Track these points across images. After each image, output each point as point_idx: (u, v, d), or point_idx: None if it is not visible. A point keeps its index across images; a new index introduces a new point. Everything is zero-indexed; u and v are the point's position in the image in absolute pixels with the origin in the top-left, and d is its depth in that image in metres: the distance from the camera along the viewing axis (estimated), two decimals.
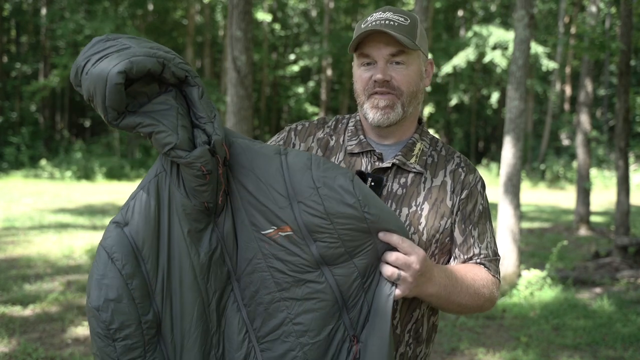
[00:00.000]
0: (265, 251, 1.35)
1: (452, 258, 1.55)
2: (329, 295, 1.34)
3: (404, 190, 1.52)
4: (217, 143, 1.27)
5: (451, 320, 5.34)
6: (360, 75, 1.53)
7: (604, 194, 19.10)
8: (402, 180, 1.53)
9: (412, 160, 1.54)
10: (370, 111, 1.52)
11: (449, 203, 1.53)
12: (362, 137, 1.57)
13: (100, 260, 1.31)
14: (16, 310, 5.07)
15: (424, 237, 1.49)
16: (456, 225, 1.53)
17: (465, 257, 1.53)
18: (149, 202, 1.32)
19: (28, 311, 5.09)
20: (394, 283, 1.32)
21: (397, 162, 1.53)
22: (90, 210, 11.64)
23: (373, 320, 1.33)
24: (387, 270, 1.31)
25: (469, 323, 5.27)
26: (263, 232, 1.34)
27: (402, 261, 1.30)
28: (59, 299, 5.42)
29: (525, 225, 11.41)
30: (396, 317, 1.50)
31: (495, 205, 7.36)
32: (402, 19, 1.49)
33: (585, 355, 4.59)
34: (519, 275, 6.45)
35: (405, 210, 1.49)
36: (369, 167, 1.54)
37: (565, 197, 18.19)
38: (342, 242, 1.31)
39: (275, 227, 1.33)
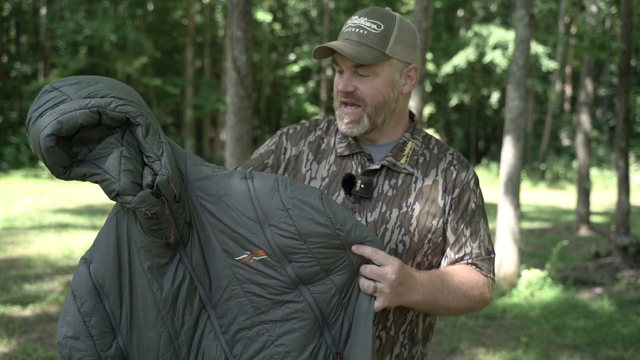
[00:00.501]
0: (240, 277, 1.35)
1: (443, 257, 1.54)
2: (309, 314, 1.34)
3: (395, 191, 1.51)
4: (160, 184, 1.25)
5: (451, 320, 5.34)
6: (335, 82, 1.54)
7: (604, 194, 19.10)
8: (393, 181, 1.52)
9: (403, 161, 1.53)
10: (339, 121, 1.54)
11: (440, 202, 1.51)
12: (351, 139, 1.56)
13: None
14: (16, 310, 5.07)
15: (416, 238, 1.48)
16: (448, 225, 1.52)
17: (456, 256, 1.52)
18: (108, 239, 1.34)
19: (28, 311, 5.09)
20: (372, 295, 1.32)
21: (387, 163, 1.52)
22: (90, 210, 11.64)
23: (354, 335, 1.33)
24: (364, 284, 1.32)
25: (469, 323, 5.27)
26: (237, 258, 1.35)
27: (376, 273, 1.31)
28: (59, 299, 5.41)
29: (526, 225, 11.41)
30: (390, 318, 1.50)
31: (495, 205, 7.36)
32: (375, 27, 1.46)
33: (586, 355, 4.59)
34: (519, 276, 6.45)
35: (395, 212, 1.48)
36: (359, 169, 1.53)
37: (565, 197, 18.19)
38: (317, 260, 1.32)
39: (249, 252, 1.34)
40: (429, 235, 1.50)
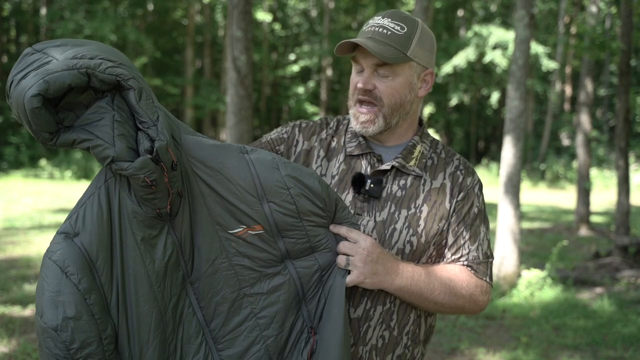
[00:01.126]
0: (231, 249, 1.36)
1: (441, 258, 1.56)
2: (292, 287, 1.38)
3: (404, 192, 1.52)
4: (160, 150, 1.18)
5: (451, 320, 5.34)
6: (352, 79, 1.55)
7: (604, 194, 19.10)
8: (402, 182, 1.53)
9: (412, 163, 1.55)
10: (353, 120, 1.55)
11: (447, 205, 1.54)
12: (361, 139, 1.58)
13: (51, 275, 1.22)
14: (16, 310, 5.07)
15: (423, 239, 1.50)
16: (449, 227, 1.54)
17: (453, 257, 1.54)
18: (100, 209, 1.25)
19: (28, 311, 5.09)
20: (347, 270, 1.39)
21: (397, 164, 1.54)
22: None
23: (328, 309, 1.38)
24: (339, 259, 1.39)
25: (469, 323, 5.27)
26: (230, 232, 1.35)
27: (348, 247, 1.38)
28: None
29: (526, 225, 11.41)
30: (393, 318, 1.51)
31: (495, 205, 7.36)
32: (398, 28, 1.48)
33: (586, 355, 4.59)
34: (519, 276, 6.45)
35: (404, 212, 1.50)
36: (368, 169, 1.54)
37: (565, 197, 18.18)
38: (308, 237, 1.37)
39: (245, 226, 1.35)
40: (435, 237, 1.52)
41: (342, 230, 1.39)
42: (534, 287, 6.24)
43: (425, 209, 1.51)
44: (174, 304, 1.34)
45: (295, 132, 1.63)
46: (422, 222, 1.50)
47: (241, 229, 1.35)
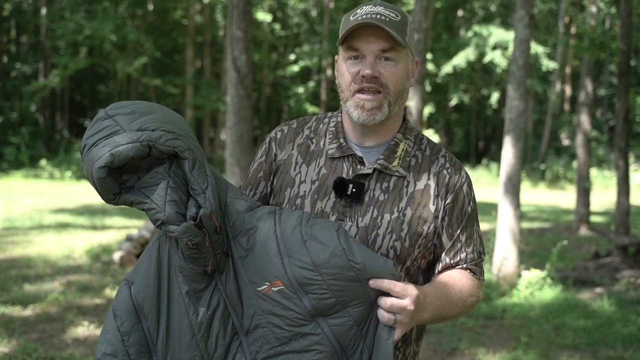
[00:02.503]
0: (263, 308, 1.38)
1: (438, 262, 1.54)
2: (327, 347, 1.36)
3: (386, 195, 1.48)
4: (204, 217, 1.31)
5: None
6: (347, 69, 1.47)
7: (604, 194, 19.10)
8: (384, 184, 1.49)
9: (395, 163, 1.50)
10: (355, 110, 1.47)
11: (432, 207, 1.49)
12: (342, 140, 1.53)
13: (108, 317, 1.42)
14: (16, 310, 5.07)
15: (407, 244, 1.47)
16: (444, 230, 1.51)
17: (452, 262, 1.53)
18: (150, 263, 1.41)
19: (28, 311, 5.09)
20: (392, 327, 1.33)
21: (379, 167, 1.49)
22: (90, 210, 11.64)
23: None
24: (384, 317, 1.32)
25: (469, 323, 5.27)
26: (259, 289, 1.38)
27: (397, 307, 1.31)
28: (59, 299, 5.41)
29: (526, 225, 11.41)
30: None
31: (495, 205, 7.36)
32: (394, 15, 1.44)
33: (586, 355, 4.59)
34: (519, 275, 6.45)
35: (387, 217, 1.47)
36: (350, 172, 1.50)
37: (565, 197, 18.19)
38: (332, 292, 1.34)
39: (269, 283, 1.37)
40: (420, 241, 1.49)
41: (385, 284, 1.31)
42: (534, 287, 6.24)
43: (409, 212, 1.47)
44: (221, 353, 1.40)
45: (272, 146, 1.60)
46: (405, 226, 1.47)
47: (265, 286, 1.38)
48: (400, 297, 1.31)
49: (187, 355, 1.39)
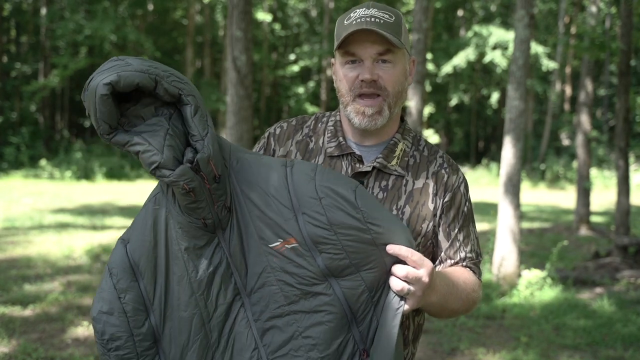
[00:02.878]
0: (273, 264, 1.34)
1: (437, 262, 1.54)
2: (337, 308, 1.33)
3: (385, 193, 1.49)
4: (201, 161, 1.27)
5: (451, 320, 5.34)
6: (346, 74, 1.47)
7: (604, 194, 19.10)
8: (383, 183, 1.49)
9: (394, 162, 1.51)
10: (356, 116, 1.47)
11: (430, 206, 1.50)
12: (341, 139, 1.54)
13: (104, 275, 1.40)
14: (16, 310, 5.07)
15: None
16: (441, 229, 1.51)
17: (452, 261, 1.53)
18: (145, 220, 1.38)
19: (28, 311, 5.09)
20: (403, 297, 1.29)
21: (378, 165, 1.49)
22: (90, 210, 11.64)
23: (380, 334, 1.32)
24: (397, 285, 1.28)
25: (469, 323, 5.27)
26: (270, 245, 1.34)
27: (412, 276, 1.27)
28: (59, 299, 5.42)
29: (526, 225, 11.41)
30: None
31: (495, 205, 7.36)
32: (387, 16, 1.44)
33: (586, 355, 4.59)
34: (519, 275, 6.45)
35: None
36: (349, 170, 1.50)
37: (565, 197, 18.19)
38: (346, 253, 1.31)
39: (282, 240, 1.33)
40: (419, 239, 1.49)
41: (403, 251, 1.27)
42: (534, 287, 6.24)
43: (407, 210, 1.48)
44: (221, 313, 1.37)
45: (270, 141, 1.60)
46: (404, 224, 1.46)
47: (278, 243, 1.34)
48: (417, 266, 1.28)
49: (186, 314, 1.36)
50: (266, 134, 1.63)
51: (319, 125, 1.60)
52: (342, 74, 1.48)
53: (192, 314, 1.36)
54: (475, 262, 1.56)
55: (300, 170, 1.36)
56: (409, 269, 1.27)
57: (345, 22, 1.46)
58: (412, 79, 1.54)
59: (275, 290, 1.35)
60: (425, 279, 1.28)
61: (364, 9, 1.45)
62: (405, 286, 1.28)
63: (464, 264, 1.54)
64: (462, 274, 1.50)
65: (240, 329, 1.38)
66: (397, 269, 1.28)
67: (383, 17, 1.43)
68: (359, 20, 1.42)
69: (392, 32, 1.42)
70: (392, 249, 1.28)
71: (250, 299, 1.38)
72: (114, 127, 1.27)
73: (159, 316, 1.37)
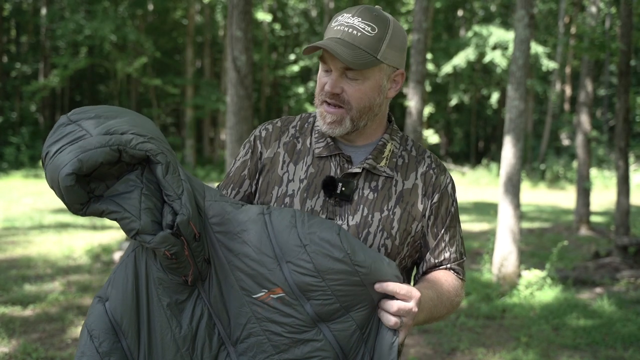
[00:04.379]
0: (258, 315, 1.33)
1: (422, 262, 1.56)
2: (330, 352, 1.32)
3: (376, 194, 1.49)
4: (181, 224, 1.24)
5: (451, 320, 5.34)
6: (319, 79, 1.49)
7: (604, 194, 19.10)
8: (373, 184, 1.50)
9: (383, 163, 1.51)
10: (320, 120, 1.49)
11: (420, 207, 1.52)
12: (329, 139, 1.53)
13: (82, 337, 1.32)
14: (16, 310, 5.07)
15: (397, 242, 1.49)
16: (429, 230, 1.53)
17: (436, 261, 1.55)
18: (126, 277, 1.32)
19: (28, 311, 5.09)
20: (396, 330, 1.32)
21: (368, 166, 1.50)
22: None
23: None
24: (390, 320, 1.31)
25: (469, 323, 5.27)
26: (254, 296, 1.32)
27: (403, 310, 1.30)
28: (59, 299, 5.42)
29: (526, 225, 11.41)
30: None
31: (495, 205, 7.35)
32: (369, 29, 1.40)
33: (585, 355, 4.59)
34: (519, 276, 6.45)
35: (377, 215, 1.48)
36: (338, 171, 1.50)
37: (565, 197, 18.19)
38: (336, 297, 1.30)
39: (266, 290, 1.31)
40: (409, 239, 1.51)
41: (390, 288, 1.30)
42: (533, 287, 6.24)
43: (398, 210, 1.49)
44: None
45: (257, 144, 1.59)
46: (395, 224, 1.48)
47: (263, 293, 1.32)
48: (406, 299, 1.31)
49: None
50: (251, 137, 1.61)
51: (305, 125, 1.60)
52: (318, 78, 1.51)
53: None
54: (459, 263, 1.58)
55: (279, 217, 1.34)
56: (400, 304, 1.30)
57: (332, 24, 1.46)
58: (395, 92, 1.53)
59: (262, 340, 1.33)
60: (415, 309, 1.31)
61: (350, 15, 1.44)
62: (398, 320, 1.31)
63: (448, 265, 1.55)
64: (445, 281, 1.51)
65: None
66: (388, 305, 1.31)
67: (363, 29, 1.41)
68: (336, 28, 1.43)
69: (366, 48, 1.40)
70: (380, 287, 1.31)
71: (235, 348, 1.36)
72: (85, 201, 1.23)
73: None
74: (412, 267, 1.60)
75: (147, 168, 1.27)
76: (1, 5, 22.83)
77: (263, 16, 20.77)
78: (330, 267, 1.29)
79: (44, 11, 23.14)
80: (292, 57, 26.29)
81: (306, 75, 28.83)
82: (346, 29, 1.42)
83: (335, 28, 1.43)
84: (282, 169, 1.54)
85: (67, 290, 5.77)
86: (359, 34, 1.40)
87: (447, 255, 1.55)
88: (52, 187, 1.20)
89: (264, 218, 1.34)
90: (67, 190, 1.17)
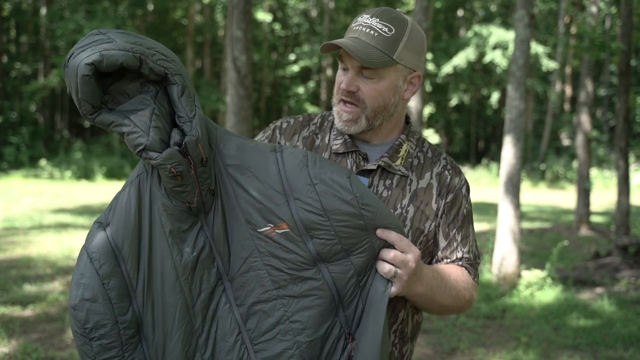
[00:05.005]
0: (261, 249, 1.34)
1: (435, 261, 1.56)
2: (326, 293, 1.34)
3: (390, 192, 1.51)
4: (189, 144, 1.24)
5: (451, 320, 5.34)
6: (337, 77, 1.52)
7: (604, 194, 19.10)
8: (388, 182, 1.52)
9: (398, 162, 1.53)
10: (336, 117, 1.53)
11: (434, 206, 1.53)
12: (347, 136, 1.56)
13: (80, 260, 1.31)
14: (16, 311, 5.07)
15: (409, 240, 1.48)
16: (440, 229, 1.54)
17: (448, 260, 1.55)
18: (129, 202, 1.32)
19: (28, 311, 5.09)
20: (389, 280, 1.33)
21: (383, 164, 1.52)
22: (90, 210, 11.63)
23: (366, 317, 1.33)
24: (384, 268, 1.32)
25: (469, 323, 5.27)
26: (259, 230, 1.33)
27: (399, 259, 1.32)
28: (59, 299, 5.41)
29: (526, 225, 11.41)
30: None
31: (495, 205, 7.35)
32: (386, 29, 1.44)
33: (586, 355, 4.59)
34: (519, 276, 6.45)
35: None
36: (354, 168, 1.53)
37: (565, 197, 18.18)
38: (339, 239, 1.32)
39: (272, 225, 1.33)
40: (421, 238, 1.52)
41: (392, 236, 1.32)
42: (534, 287, 6.24)
43: (411, 209, 1.51)
44: (205, 298, 1.35)
45: (276, 134, 1.61)
46: (408, 223, 1.50)
47: (269, 228, 1.33)
48: (404, 251, 1.33)
49: (171, 299, 1.33)
50: (272, 126, 1.65)
51: (325, 123, 1.63)
52: (336, 77, 1.54)
53: (177, 299, 1.33)
54: (472, 264, 1.57)
55: (291, 156, 1.35)
56: (397, 253, 1.32)
57: (352, 24, 1.50)
58: (411, 94, 1.55)
59: (262, 275, 1.34)
60: (412, 263, 1.32)
61: (368, 15, 1.48)
62: (392, 268, 1.32)
63: (460, 263, 1.55)
64: (454, 271, 1.52)
65: (224, 314, 1.36)
66: (385, 252, 1.33)
67: (381, 30, 1.44)
68: (355, 28, 1.47)
69: (382, 47, 1.43)
70: (382, 233, 1.32)
71: (232, 283, 1.36)
72: (97, 106, 1.23)
73: (142, 302, 1.33)
74: None
75: (160, 92, 1.28)
76: (1, 5, 22.83)
77: (263, 16, 20.76)
78: (337, 208, 1.30)
79: (43, 11, 23.14)
80: (292, 57, 26.28)
81: (306, 75, 28.83)
82: (364, 29, 1.45)
83: (355, 28, 1.47)
84: None
85: (67, 290, 5.76)
86: (375, 34, 1.44)
87: (459, 255, 1.55)
88: (69, 86, 1.20)
89: (275, 155, 1.35)
90: (83, 81, 1.17)
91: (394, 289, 1.33)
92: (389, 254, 1.32)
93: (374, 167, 1.52)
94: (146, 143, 1.23)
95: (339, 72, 1.52)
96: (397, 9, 1.54)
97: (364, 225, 1.32)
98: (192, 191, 1.29)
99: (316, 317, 1.34)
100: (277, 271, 1.34)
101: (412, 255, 1.33)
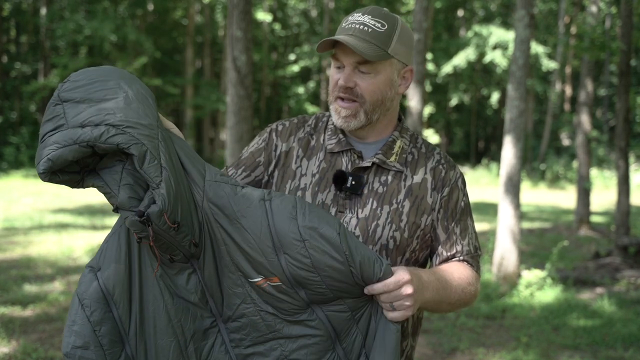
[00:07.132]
0: (254, 296, 1.35)
1: (435, 255, 1.58)
2: (322, 331, 1.35)
3: (385, 188, 1.53)
4: (152, 215, 1.23)
5: (451, 320, 5.34)
6: (332, 76, 1.55)
7: (604, 194, 19.09)
8: (383, 178, 1.54)
9: (392, 159, 1.56)
10: (334, 115, 1.54)
11: (429, 200, 1.55)
12: (341, 135, 1.59)
13: (72, 306, 1.32)
14: (16, 311, 5.07)
15: (406, 234, 1.52)
16: (439, 223, 1.55)
17: (448, 254, 1.56)
18: (119, 247, 1.33)
19: (28, 311, 5.08)
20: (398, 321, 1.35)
21: (377, 161, 1.54)
22: (90, 210, 11.63)
23: (382, 348, 1.33)
24: (390, 315, 1.35)
25: (469, 323, 5.27)
26: (251, 280, 1.34)
27: (398, 302, 1.33)
28: (59, 299, 5.41)
29: (526, 225, 11.41)
30: None
31: (495, 205, 7.35)
32: (379, 25, 1.48)
33: (586, 355, 4.59)
34: (519, 276, 6.45)
35: (386, 208, 1.51)
36: (349, 166, 1.55)
37: (565, 197, 18.18)
38: (330, 290, 1.33)
39: (263, 277, 1.33)
40: (418, 232, 1.53)
41: (377, 288, 1.32)
42: (534, 287, 6.24)
43: (407, 204, 1.53)
44: (198, 339, 1.36)
45: (272, 137, 1.63)
46: (404, 217, 1.51)
47: (260, 279, 1.33)
48: (396, 289, 1.33)
49: (164, 342, 1.33)
50: (267, 129, 1.66)
51: (320, 124, 1.65)
52: (330, 75, 1.56)
53: (170, 341, 1.33)
54: (473, 256, 1.58)
55: (281, 206, 1.34)
56: (391, 297, 1.33)
57: (343, 24, 1.52)
58: (405, 88, 1.58)
59: (257, 320, 1.35)
60: (408, 291, 1.33)
61: (359, 14, 1.51)
62: (398, 314, 1.34)
63: (461, 257, 1.56)
64: (456, 268, 1.53)
65: (220, 355, 1.37)
66: (382, 302, 1.34)
67: (374, 25, 1.48)
68: (347, 26, 1.50)
69: (378, 42, 1.47)
70: (368, 291, 1.34)
71: (227, 325, 1.38)
72: (78, 179, 1.27)
73: (134, 346, 1.33)
74: (425, 262, 1.63)
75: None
76: (1, 5, 22.82)
77: (263, 16, 20.77)
78: (327, 265, 1.30)
79: (43, 11, 23.12)
80: (292, 57, 26.28)
81: (306, 75, 28.81)
82: (358, 25, 1.49)
83: (347, 26, 1.50)
84: (295, 163, 1.59)
85: (67, 291, 5.76)
86: (369, 29, 1.47)
87: (459, 248, 1.56)
88: None
89: (264, 205, 1.34)
90: (51, 181, 1.23)
91: (407, 313, 1.35)
92: (385, 303, 1.34)
93: (369, 164, 1.53)
94: (115, 203, 1.25)
95: (333, 70, 1.54)
96: (385, 8, 1.57)
97: (354, 282, 1.32)
98: (171, 248, 1.30)
99: (313, 354, 1.35)
100: (271, 316, 1.35)
101: (405, 287, 1.32)
